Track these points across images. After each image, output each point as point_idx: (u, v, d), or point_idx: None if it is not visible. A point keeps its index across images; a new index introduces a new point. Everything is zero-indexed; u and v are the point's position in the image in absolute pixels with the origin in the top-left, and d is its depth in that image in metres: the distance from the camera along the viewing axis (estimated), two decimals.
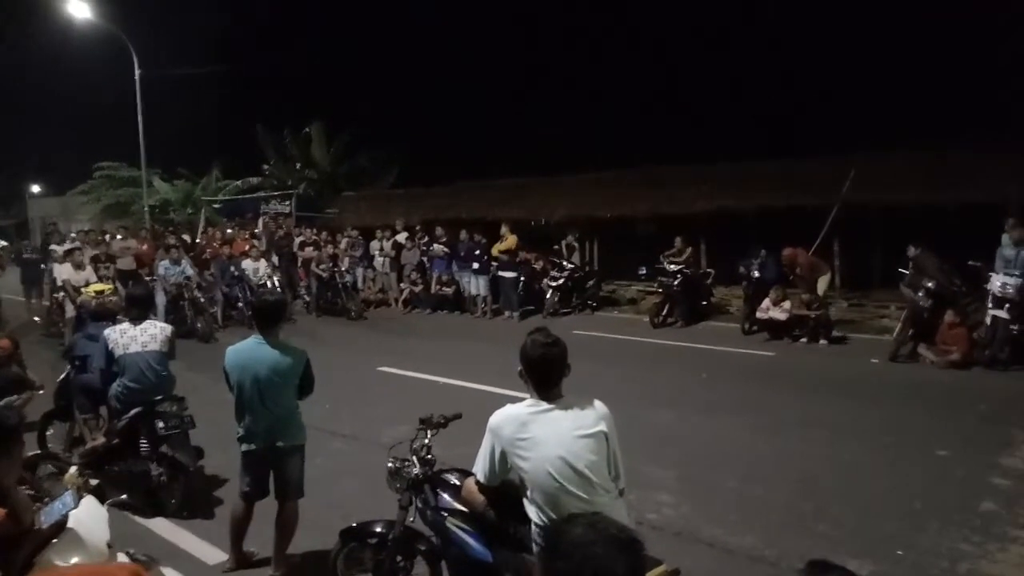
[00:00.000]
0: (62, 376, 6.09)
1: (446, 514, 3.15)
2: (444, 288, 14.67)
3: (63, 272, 11.44)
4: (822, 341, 10.31)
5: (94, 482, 3.32)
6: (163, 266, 12.66)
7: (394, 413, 6.85)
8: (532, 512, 2.73)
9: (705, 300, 12.87)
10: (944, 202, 11.27)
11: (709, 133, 21.36)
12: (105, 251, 13.70)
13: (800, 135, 18.76)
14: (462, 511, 3.09)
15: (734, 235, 13.33)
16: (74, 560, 2.69)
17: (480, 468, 2.87)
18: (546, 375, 2.76)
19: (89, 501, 2.99)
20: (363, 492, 4.97)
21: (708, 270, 13.44)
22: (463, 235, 14.38)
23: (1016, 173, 10.68)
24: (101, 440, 5.26)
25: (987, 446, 5.96)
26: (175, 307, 12.33)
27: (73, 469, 3.26)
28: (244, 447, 4.06)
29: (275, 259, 14.88)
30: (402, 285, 15.44)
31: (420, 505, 3.29)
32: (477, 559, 2.99)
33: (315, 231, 16.78)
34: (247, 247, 14.56)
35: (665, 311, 12.32)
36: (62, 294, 11.46)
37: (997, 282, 8.64)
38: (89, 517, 2.88)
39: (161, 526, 4.88)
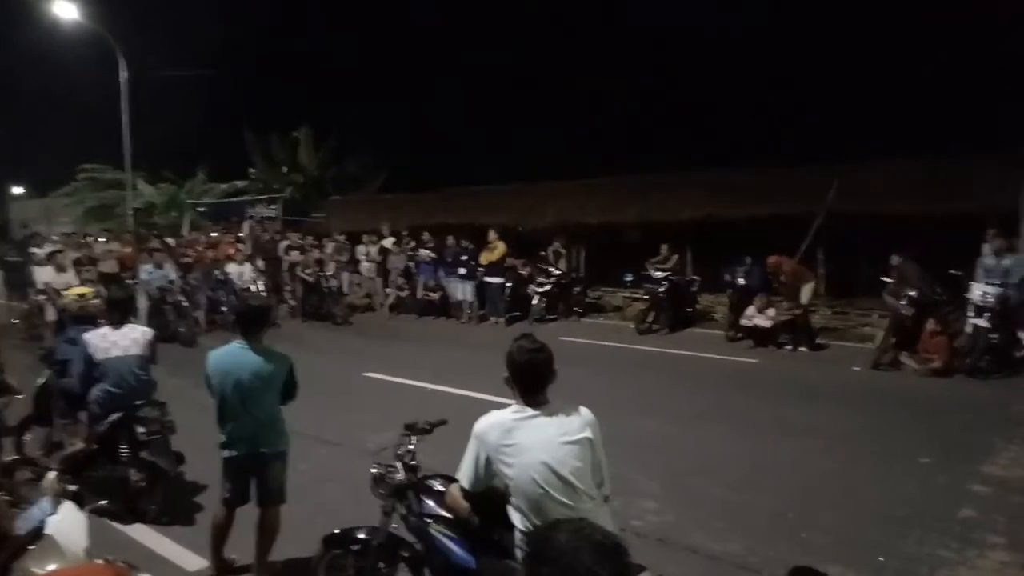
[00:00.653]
0: (41, 380, 6.00)
1: (430, 520, 3.13)
2: (430, 294, 14.65)
3: (44, 275, 11.31)
4: (802, 348, 10.38)
5: (73, 488, 3.27)
6: (145, 270, 12.53)
7: (379, 419, 6.82)
8: (516, 518, 2.73)
9: (690, 307, 12.94)
10: (927, 212, 11.40)
11: (696, 141, 21.53)
12: (88, 254, 13.56)
13: (785, 144, 18.94)
14: (446, 517, 3.07)
15: (719, 243, 13.39)
16: (51, 567, 2.65)
17: (465, 474, 2.86)
18: (532, 381, 2.76)
19: (68, 507, 2.95)
20: (346, 498, 4.94)
21: (693, 277, 13.51)
22: (450, 241, 14.37)
23: (997, 184, 10.82)
24: (80, 445, 5.18)
25: (967, 454, 6.03)
26: (157, 311, 12.19)
27: (52, 475, 3.21)
28: (226, 453, 4.02)
29: (260, 263, 14.77)
30: (388, 290, 15.40)
31: (404, 511, 3.27)
32: (461, 565, 2.98)
33: (301, 235, 16.70)
34: (232, 251, 14.47)
35: (651, 318, 12.37)
36: (43, 297, 11.33)
37: (977, 291, 8.76)
38: (68, 523, 2.84)
39: (141, 532, 4.82)
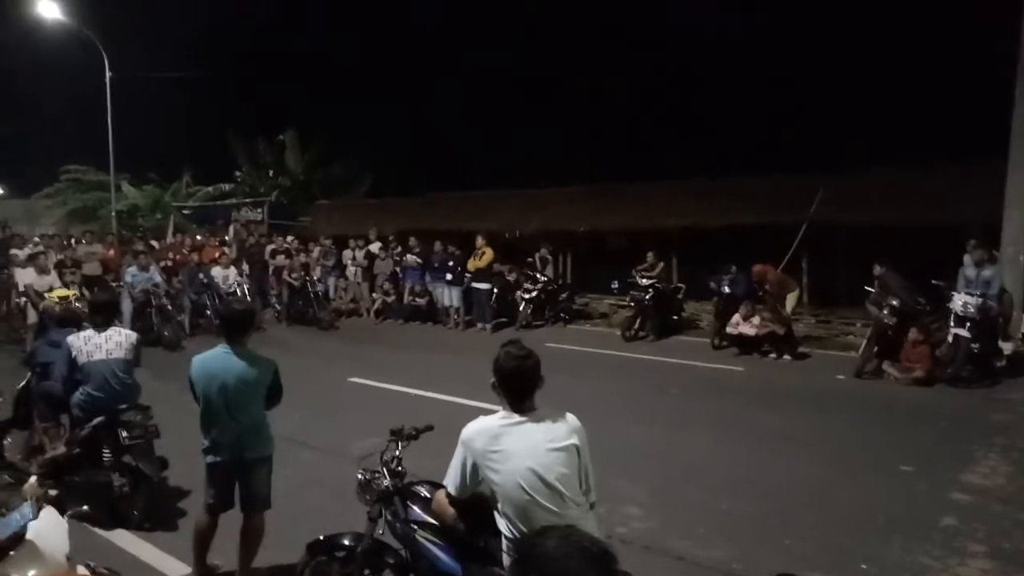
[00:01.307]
0: (22, 383, 5.94)
1: (416, 527, 3.12)
2: (417, 299, 14.62)
3: (26, 277, 11.17)
4: (785, 356, 10.46)
5: (54, 492, 3.23)
6: (130, 272, 12.43)
7: (364, 424, 6.79)
8: (503, 525, 2.73)
9: (676, 315, 12.99)
10: (909, 222, 11.54)
11: (681, 150, 21.64)
12: (71, 256, 13.41)
13: (770, 154, 19.11)
14: (432, 524, 3.07)
15: (705, 251, 13.50)
16: (32, 573, 2.62)
17: (451, 480, 2.86)
18: (519, 387, 2.77)
19: (48, 512, 2.91)
20: (332, 504, 4.91)
21: (679, 285, 13.56)
22: (437, 246, 14.35)
23: (978, 195, 10.99)
24: (62, 449, 5.13)
25: (948, 462, 6.08)
26: (141, 314, 12.09)
27: (32, 479, 3.17)
28: (210, 458, 3.99)
29: (245, 267, 14.68)
30: (374, 295, 15.35)
31: (390, 518, 3.26)
32: (447, 572, 2.97)
33: (287, 239, 16.62)
34: (217, 254, 14.38)
35: (637, 325, 12.41)
36: (24, 299, 11.19)
37: (959, 301, 8.85)
38: (48, 529, 2.80)
39: (123, 538, 4.76)
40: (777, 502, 5.29)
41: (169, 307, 12.38)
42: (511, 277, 14.46)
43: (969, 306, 8.74)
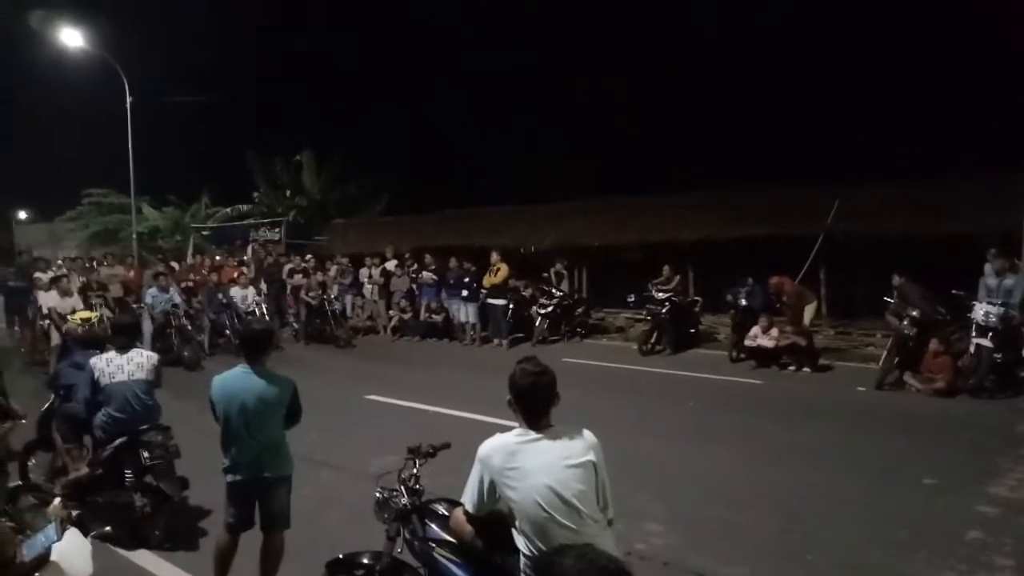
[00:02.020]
0: (46, 405, 6.02)
1: (434, 545, 3.12)
2: (433, 316, 14.67)
3: (49, 300, 11.35)
4: (805, 369, 10.37)
5: (76, 513, 3.28)
6: (151, 294, 12.56)
7: (382, 442, 6.81)
8: (520, 542, 2.72)
9: (693, 328, 12.93)
10: (928, 232, 11.44)
11: (697, 162, 21.65)
12: (96, 279, 13.60)
13: (786, 166, 19.04)
14: (450, 542, 3.06)
15: (721, 263, 13.44)
16: None
17: (469, 498, 2.86)
18: (535, 404, 2.77)
19: (72, 533, 2.95)
20: (350, 523, 4.93)
21: (696, 298, 13.52)
22: (452, 263, 14.42)
23: (998, 204, 10.87)
24: (85, 471, 5.19)
25: (973, 474, 5.99)
26: (162, 335, 12.22)
27: (56, 501, 3.22)
28: (230, 478, 4.02)
29: (264, 286, 14.82)
30: (391, 313, 15.43)
31: (408, 536, 3.26)
32: None
33: (304, 258, 16.77)
34: (236, 274, 14.52)
35: (653, 339, 12.36)
36: (47, 322, 11.36)
37: (980, 311, 8.75)
38: (72, 550, 2.83)
39: (145, 558, 4.80)
40: (798, 517, 5.23)
41: (189, 327, 12.50)
42: (527, 292, 14.48)
43: (991, 315, 8.64)
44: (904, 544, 4.75)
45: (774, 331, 10.69)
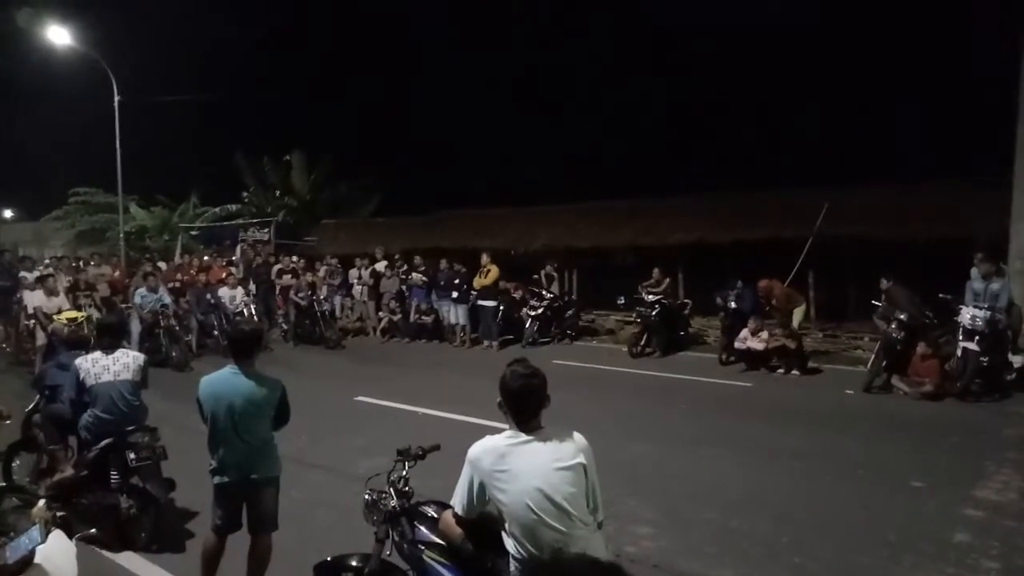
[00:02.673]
0: (30, 406, 5.96)
1: (423, 547, 3.10)
2: (423, 317, 14.64)
3: (34, 299, 11.23)
4: (794, 371, 10.42)
5: (61, 515, 3.24)
6: (140, 294, 12.43)
7: (371, 444, 6.78)
8: (510, 545, 2.71)
9: (683, 330, 12.97)
10: (916, 236, 11.53)
11: (687, 166, 21.75)
12: (84, 279, 13.48)
13: (776, 169, 19.18)
14: (439, 544, 3.05)
15: (711, 266, 13.50)
16: None
17: (458, 500, 2.85)
18: (525, 406, 2.76)
19: (57, 535, 2.92)
20: (339, 525, 4.90)
21: (686, 300, 13.57)
22: (442, 264, 14.39)
23: (985, 209, 10.97)
24: (70, 472, 5.13)
25: (960, 477, 6.03)
26: (150, 335, 12.12)
27: (41, 502, 3.18)
28: (217, 479, 3.98)
29: (252, 287, 14.73)
30: (381, 314, 15.38)
31: (397, 538, 3.24)
32: None
33: (293, 259, 16.69)
34: (224, 275, 14.43)
35: (643, 341, 12.39)
36: (32, 322, 11.24)
37: (967, 315, 8.81)
38: (57, 552, 2.80)
39: (131, 560, 4.75)
40: (787, 520, 5.24)
41: (177, 328, 12.41)
42: (517, 294, 14.47)
43: (978, 319, 8.70)
44: (892, 546, 4.76)
45: (763, 334, 10.73)
